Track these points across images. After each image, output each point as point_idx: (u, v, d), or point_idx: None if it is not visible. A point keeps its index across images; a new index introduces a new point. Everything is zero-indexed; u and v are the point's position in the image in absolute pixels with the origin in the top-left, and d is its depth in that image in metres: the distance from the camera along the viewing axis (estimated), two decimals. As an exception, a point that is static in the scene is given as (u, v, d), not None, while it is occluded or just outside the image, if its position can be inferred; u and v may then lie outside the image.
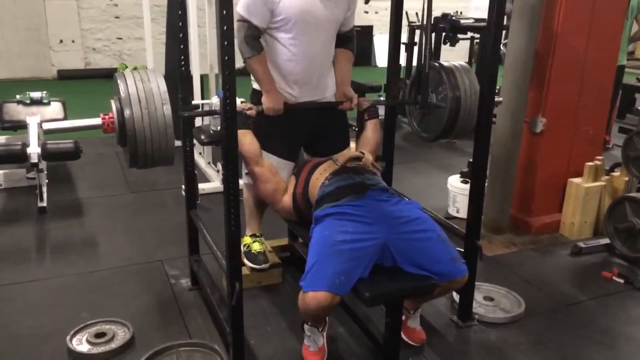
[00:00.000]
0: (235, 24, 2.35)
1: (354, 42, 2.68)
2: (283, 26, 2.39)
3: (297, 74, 2.49)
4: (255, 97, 2.56)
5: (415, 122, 2.83)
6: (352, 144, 2.81)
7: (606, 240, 3.34)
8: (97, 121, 2.04)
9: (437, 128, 2.63)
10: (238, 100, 2.30)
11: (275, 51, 2.46)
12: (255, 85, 2.57)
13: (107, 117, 2.02)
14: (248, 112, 2.40)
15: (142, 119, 1.89)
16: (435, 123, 2.64)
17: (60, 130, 2.15)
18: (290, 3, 2.34)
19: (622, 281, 3.02)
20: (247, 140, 2.39)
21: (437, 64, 2.58)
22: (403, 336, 2.39)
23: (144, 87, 1.93)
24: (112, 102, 2.00)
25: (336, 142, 2.69)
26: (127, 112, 1.89)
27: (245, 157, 2.42)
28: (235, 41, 2.35)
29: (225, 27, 1.82)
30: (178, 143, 2.25)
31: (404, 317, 2.39)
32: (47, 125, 2.01)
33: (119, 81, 1.95)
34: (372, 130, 2.66)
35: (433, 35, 5.54)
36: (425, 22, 2.60)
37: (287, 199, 2.45)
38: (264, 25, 2.38)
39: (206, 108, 4.37)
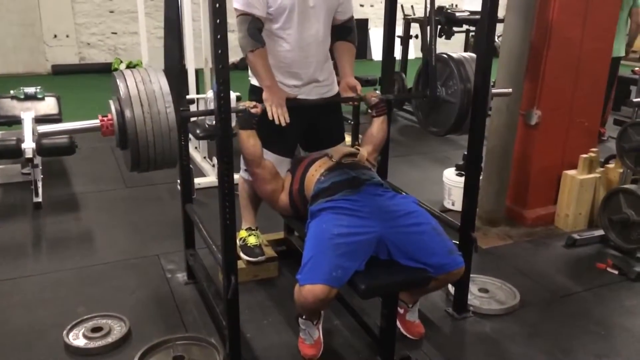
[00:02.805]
0: (236, 20, 2.34)
1: (354, 32, 2.64)
2: (276, 17, 2.37)
3: (294, 65, 2.47)
4: (254, 94, 2.52)
5: (422, 117, 2.76)
6: (347, 137, 2.81)
7: (600, 232, 3.36)
8: (94, 123, 1.91)
9: (447, 122, 2.57)
10: (233, 95, 2.29)
11: (270, 44, 2.44)
12: (254, 82, 2.53)
13: (105, 119, 1.89)
14: (252, 111, 2.27)
15: (144, 122, 1.78)
16: (445, 117, 2.58)
17: (56, 133, 2.05)
18: None
19: (616, 272, 3.04)
20: (250, 142, 2.31)
21: (445, 56, 2.52)
22: (401, 329, 2.41)
23: (146, 89, 1.81)
24: (111, 102, 1.88)
25: (331, 135, 2.69)
26: (127, 114, 1.78)
27: (246, 159, 2.38)
28: (238, 35, 2.34)
29: (218, 20, 1.81)
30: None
31: (402, 311, 2.40)
32: (42, 129, 1.90)
33: (118, 81, 1.83)
34: (377, 128, 2.58)
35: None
36: (429, 11, 2.52)
37: (283, 196, 2.45)
38: (263, 15, 2.35)
39: (201, 102, 4.38)
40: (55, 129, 1.97)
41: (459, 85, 2.45)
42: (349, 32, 2.62)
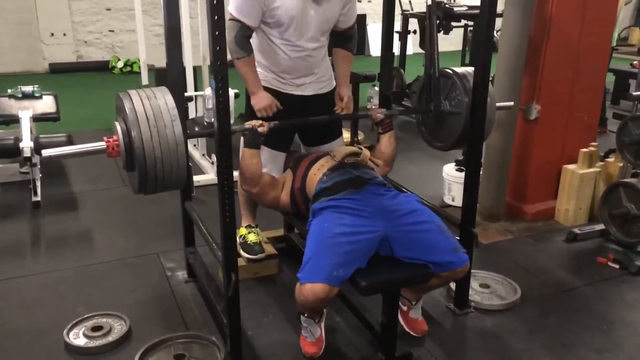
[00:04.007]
0: (227, 23, 2.32)
1: (355, 40, 2.64)
2: (274, 28, 2.38)
3: (290, 70, 2.49)
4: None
5: (427, 132, 2.73)
6: (346, 134, 2.80)
7: (601, 226, 3.35)
8: (100, 145, 1.87)
9: (451, 136, 2.54)
10: (231, 92, 2.27)
11: (265, 45, 2.45)
12: None
13: (111, 140, 1.86)
14: (260, 130, 2.24)
15: (151, 139, 1.75)
16: (449, 131, 2.55)
17: (61, 157, 2.02)
18: (284, 11, 2.30)
19: (617, 266, 3.03)
20: (253, 161, 2.29)
21: (449, 70, 2.50)
22: (405, 327, 2.41)
23: (151, 104, 1.79)
24: (117, 123, 1.86)
25: (330, 130, 2.69)
26: (134, 133, 1.76)
27: (245, 177, 2.35)
28: (227, 39, 2.32)
29: (216, 17, 1.80)
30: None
31: (405, 308, 2.40)
32: (46, 152, 1.87)
33: (124, 100, 1.82)
34: (385, 145, 2.58)
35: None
36: (430, 24, 2.49)
37: (284, 196, 2.45)
38: (255, 25, 2.35)
39: (199, 99, 4.37)
40: (59, 152, 1.94)
41: (462, 97, 2.43)
42: (349, 40, 2.62)
